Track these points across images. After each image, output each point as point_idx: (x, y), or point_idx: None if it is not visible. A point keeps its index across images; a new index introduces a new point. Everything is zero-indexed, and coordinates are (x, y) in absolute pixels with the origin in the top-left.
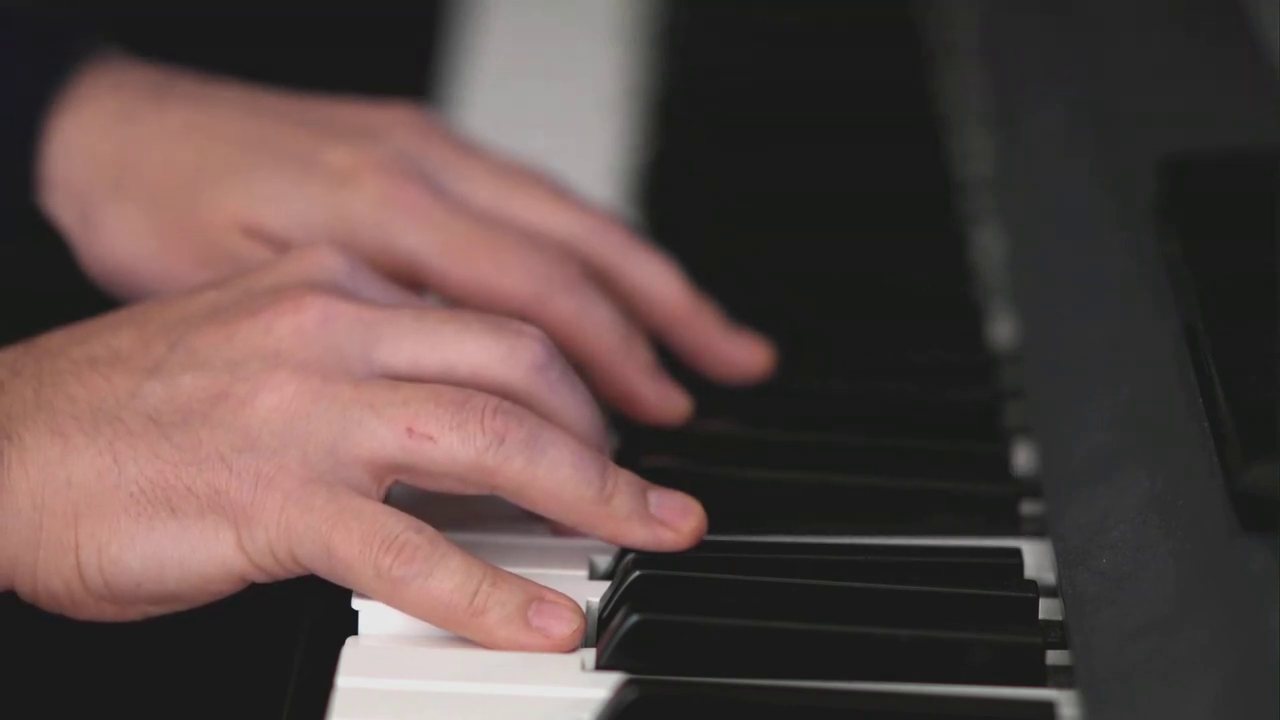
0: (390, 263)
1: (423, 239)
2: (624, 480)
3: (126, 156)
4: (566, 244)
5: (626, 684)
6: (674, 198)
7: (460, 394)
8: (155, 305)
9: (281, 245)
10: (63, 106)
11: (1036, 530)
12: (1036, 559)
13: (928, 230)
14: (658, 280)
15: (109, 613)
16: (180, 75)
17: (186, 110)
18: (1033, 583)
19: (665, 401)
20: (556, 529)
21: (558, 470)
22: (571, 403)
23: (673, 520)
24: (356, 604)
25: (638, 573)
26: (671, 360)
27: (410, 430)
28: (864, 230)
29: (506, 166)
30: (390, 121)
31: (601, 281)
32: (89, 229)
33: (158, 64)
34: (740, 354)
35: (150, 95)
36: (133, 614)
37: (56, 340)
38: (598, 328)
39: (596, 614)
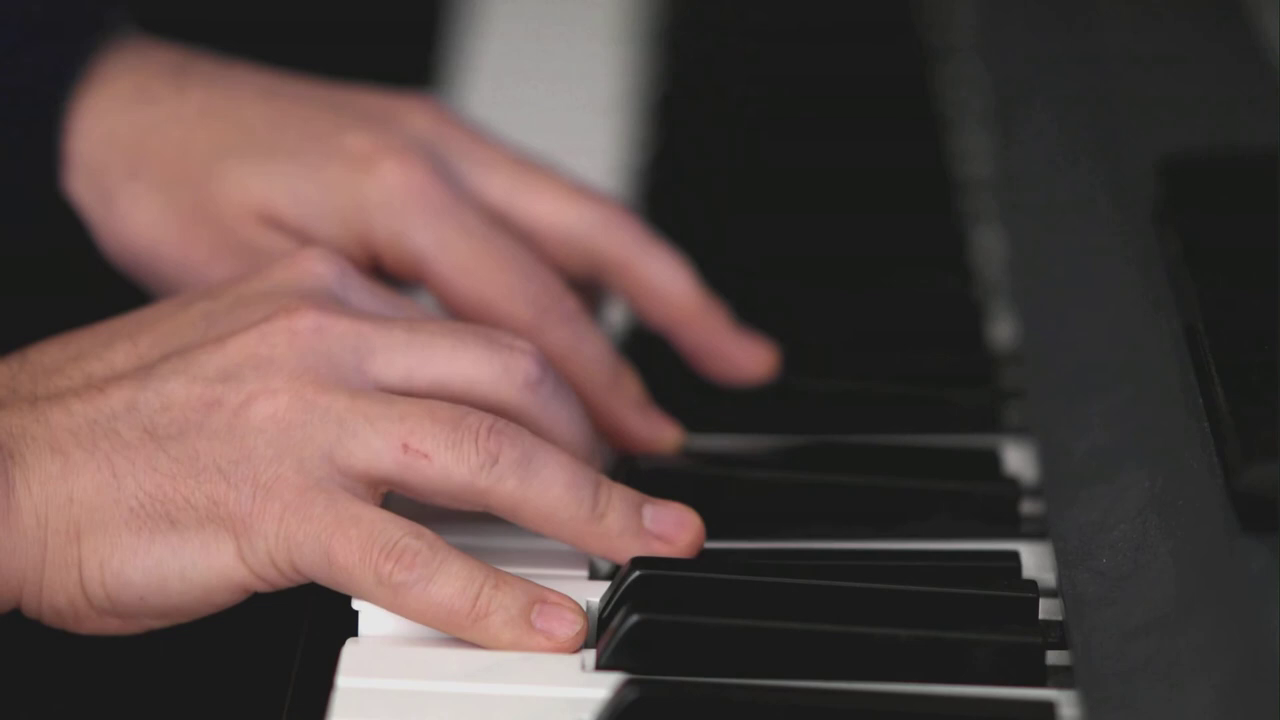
0: (398, 258)
1: (434, 241)
2: (617, 497)
3: (144, 138)
4: (579, 238)
5: (626, 684)
6: (673, 198)
7: (456, 412)
8: (147, 316)
9: (297, 233)
10: (84, 88)
11: (1036, 530)
12: (1036, 559)
13: (928, 230)
14: (669, 277)
15: (112, 627)
16: (200, 57)
17: (205, 92)
18: (1033, 583)
19: (653, 434)
20: None
21: (550, 490)
22: (564, 417)
23: (668, 534)
24: (357, 604)
25: (637, 573)
26: (672, 358)
27: (406, 446)
28: (864, 230)
29: (522, 157)
30: (408, 109)
31: (611, 276)
32: (107, 211)
33: (178, 45)
34: (746, 357)
35: (169, 76)
36: (135, 628)
37: (50, 356)
38: (587, 361)
39: (596, 614)
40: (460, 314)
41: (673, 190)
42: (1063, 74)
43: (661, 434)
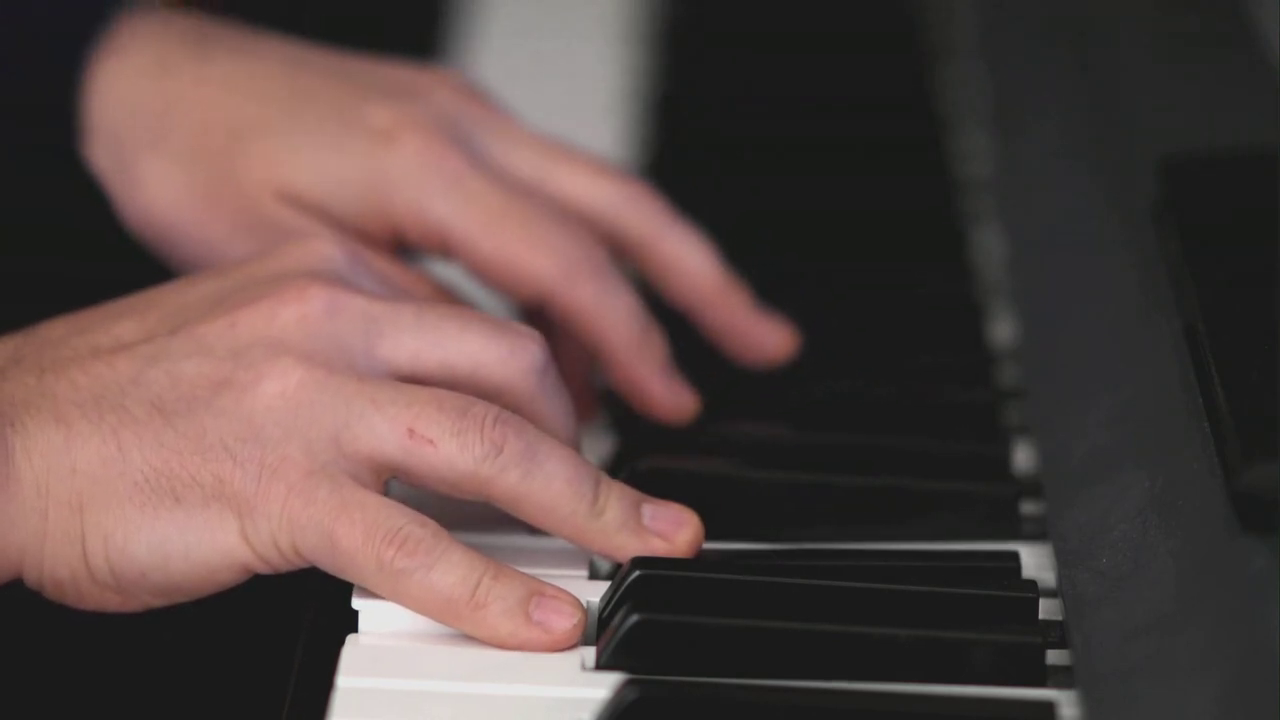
0: (421, 228)
1: (456, 207)
2: (616, 493)
3: (166, 109)
4: (603, 214)
5: (626, 684)
6: (674, 198)
7: (462, 401)
8: (156, 294)
9: (316, 210)
10: (105, 51)
11: (1036, 530)
12: (1036, 559)
13: (928, 231)
14: (691, 256)
15: (113, 603)
16: (223, 26)
17: (228, 64)
18: (1033, 583)
19: (674, 399)
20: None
21: (552, 484)
22: (560, 412)
23: (667, 532)
24: (356, 604)
25: (638, 572)
26: (687, 341)
27: (411, 432)
28: (864, 231)
29: (545, 136)
30: (433, 82)
31: (635, 253)
32: (126, 180)
33: (200, 14)
34: (766, 337)
35: (193, 46)
36: (135, 605)
37: (57, 330)
38: (617, 316)
39: (596, 614)
40: (487, 279)
41: (672, 190)
42: (1063, 74)
43: (681, 400)
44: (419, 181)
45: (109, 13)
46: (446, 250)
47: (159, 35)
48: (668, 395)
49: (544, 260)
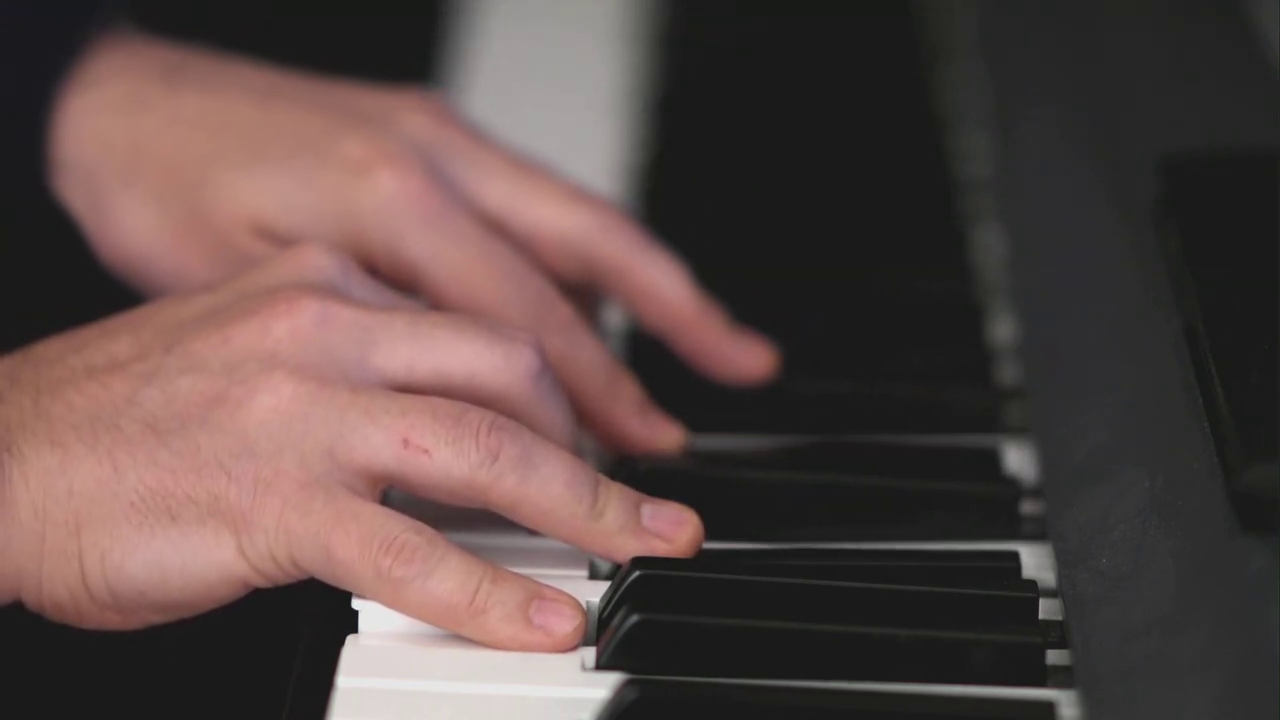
0: (393, 266)
1: (428, 249)
2: (615, 495)
3: (138, 144)
4: (577, 242)
5: (626, 684)
6: (673, 198)
7: (456, 408)
8: (151, 310)
9: (289, 243)
10: (74, 85)
11: (1036, 531)
12: (1036, 559)
13: (928, 230)
14: (665, 281)
15: (112, 621)
16: (194, 56)
17: (199, 95)
18: (1033, 582)
19: (653, 436)
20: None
21: (550, 487)
22: (559, 415)
23: (667, 532)
24: (356, 604)
25: (637, 572)
26: (669, 360)
27: (406, 442)
28: (864, 230)
29: (519, 159)
30: (406, 108)
31: (609, 281)
32: (100, 217)
33: (171, 42)
34: (744, 358)
35: (163, 79)
36: (136, 622)
37: (53, 349)
38: (584, 367)
39: (596, 614)
40: None
41: (672, 190)
42: (1063, 74)
43: (662, 435)
44: (394, 219)
45: (77, 42)
46: (415, 289)
47: (130, 68)
48: (646, 434)
49: (511, 315)
